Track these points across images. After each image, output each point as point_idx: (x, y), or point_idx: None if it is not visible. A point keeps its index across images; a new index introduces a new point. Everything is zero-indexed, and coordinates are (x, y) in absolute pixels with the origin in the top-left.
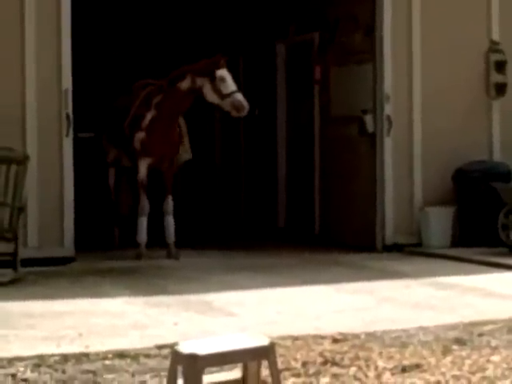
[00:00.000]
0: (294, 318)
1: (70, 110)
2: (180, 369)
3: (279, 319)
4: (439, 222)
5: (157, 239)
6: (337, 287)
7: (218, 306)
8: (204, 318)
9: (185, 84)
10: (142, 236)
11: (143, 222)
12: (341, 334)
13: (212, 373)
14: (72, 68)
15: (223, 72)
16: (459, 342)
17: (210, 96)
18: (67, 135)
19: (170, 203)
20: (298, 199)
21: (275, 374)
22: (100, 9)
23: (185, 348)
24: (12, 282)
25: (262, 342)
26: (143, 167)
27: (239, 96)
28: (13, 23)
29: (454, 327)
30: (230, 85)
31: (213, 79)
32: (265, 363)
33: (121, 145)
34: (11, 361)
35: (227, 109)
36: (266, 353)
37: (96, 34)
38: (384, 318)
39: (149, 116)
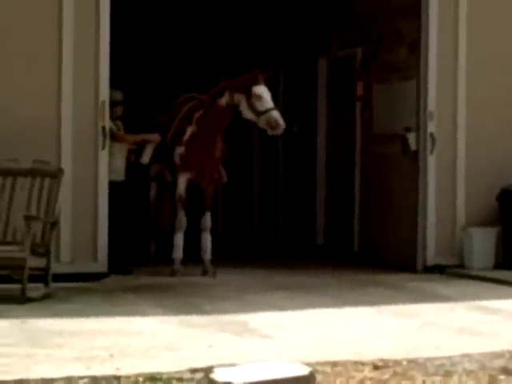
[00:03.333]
0: (333, 341)
1: (106, 122)
2: None
3: (317, 343)
4: (482, 243)
5: (193, 256)
6: (377, 309)
7: (253, 327)
8: (239, 340)
9: (223, 100)
10: (178, 252)
11: (179, 238)
12: (382, 360)
13: None
14: (112, 80)
15: (260, 88)
16: (506, 371)
17: (246, 113)
18: (103, 148)
19: (207, 220)
20: (337, 216)
21: None
22: (142, 21)
23: (220, 375)
24: (43, 298)
25: (302, 371)
26: (182, 182)
27: (275, 113)
28: (51, 34)
29: (500, 355)
30: (266, 102)
31: (249, 96)
32: None
33: (163, 159)
34: (38, 382)
35: (263, 126)
36: (306, 383)
37: (138, 46)
38: (427, 344)
39: (189, 131)
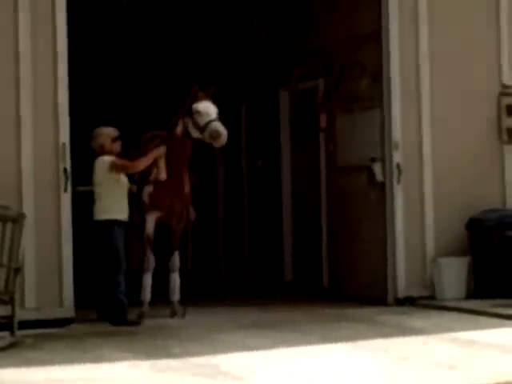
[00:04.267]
0: (310, 382)
1: (67, 164)
2: None
3: None
4: (453, 273)
5: (162, 296)
6: (351, 345)
7: (226, 369)
8: None
9: (179, 129)
10: (146, 294)
11: (148, 279)
12: None
13: None
14: (71, 119)
15: (200, 105)
16: None
17: (193, 132)
18: (65, 190)
19: (176, 260)
20: (305, 251)
21: None
22: (98, 57)
23: None
24: (9, 347)
25: None
26: (151, 222)
27: (215, 124)
28: (9, 75)
29: None
30: (207, 115)
31: (191, 115)
32: None
33: (130, 200)
34: None
35: (208, 141)
36: None
37: (96, 85)
38: (407, 382)
39: (155, 170)
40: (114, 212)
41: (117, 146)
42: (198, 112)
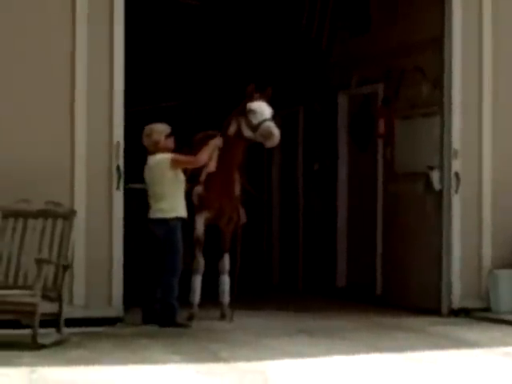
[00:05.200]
0: None
1: (121, 161)
2: None
3: None
4: (510, 286)
5: (211, 298)
6: (402, 356)
7: (272, 376)
8: None
9: (232, 129)
10: (195, 296)
11: (197, 281)
12: None
13: None
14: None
15: (254, 104)
16: None
17: (246, 131)
18: (118, 188)
19: (226, 262)
20: (358, 258)
21: None
22: (156, 59)
23: None
24: (55, 345)
25: None
26: (200, 223)
27: (267, 123)
28: (64, 74)
29: None
30: (260, 115)
31: (245, 114)
32: None
33: None
34: None
35: (259, 140)
36: None
37: (152, 84)
38: None
39: (206, 169)
40: (180, 210)
41: (171, 143)
42: (252, 111)
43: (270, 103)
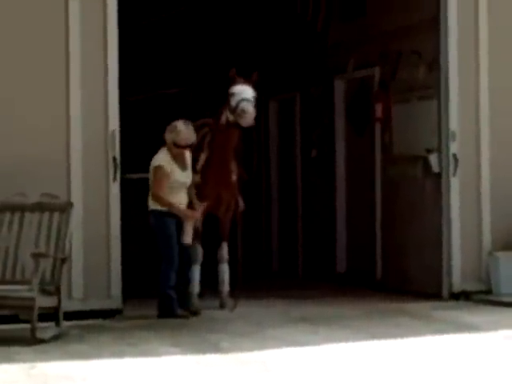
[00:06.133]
0: (357, 380)
1: (117, 152)
2: None
3: None
4: (510, 268)
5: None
6: (404, 342)
7: (273, 366)
8: (260, 382)
9: (223, 117)
10: (195, 286)
11: (196, 271)
12: None
13: None
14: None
15: (234, 88)
16: None
17: (230, 116)
18: (114, 180)
19: (224, 251)
20: (358, 243)
21: None
22: (149, 48)
23: None
24: (54, 339)
25: None
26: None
27: (243, 103)
28: (57, 64)
29: None
30: (238, 95)
31: (228, 98)
32: None
33: None
34: None
35: (237, 120)
36: None
37: (148, 72)
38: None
39: (203, 157)
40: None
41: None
42: (232, 94)
43: (267, 88)
